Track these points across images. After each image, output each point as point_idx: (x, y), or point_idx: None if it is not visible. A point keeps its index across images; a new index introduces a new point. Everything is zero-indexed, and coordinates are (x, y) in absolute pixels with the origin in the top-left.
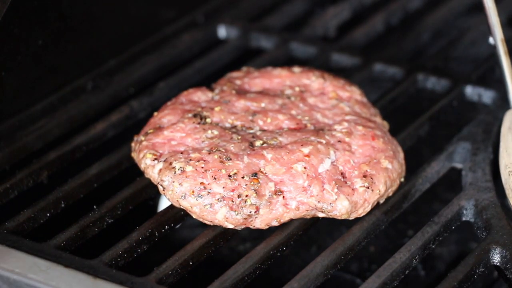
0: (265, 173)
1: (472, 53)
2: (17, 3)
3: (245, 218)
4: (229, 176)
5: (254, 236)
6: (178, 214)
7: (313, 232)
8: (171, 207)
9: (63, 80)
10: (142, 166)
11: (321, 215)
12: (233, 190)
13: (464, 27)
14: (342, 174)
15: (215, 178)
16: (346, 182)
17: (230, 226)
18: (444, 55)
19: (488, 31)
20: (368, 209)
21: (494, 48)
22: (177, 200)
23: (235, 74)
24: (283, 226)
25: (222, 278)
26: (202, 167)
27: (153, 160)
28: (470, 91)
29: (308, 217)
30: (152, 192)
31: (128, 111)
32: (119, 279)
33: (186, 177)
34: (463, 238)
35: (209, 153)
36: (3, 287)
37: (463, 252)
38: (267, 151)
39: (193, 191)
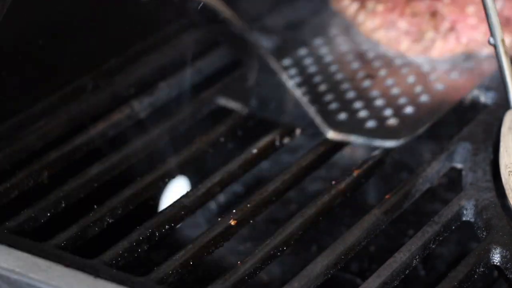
0: (442, 13)
1: None
2: (17, 3)
3: (424, 49)
4: (413, 14)
5: (254, 236)
6: (178, 214)
7: (313, 232)
8: (171, 206)
9: (63, 80)
10: (338, 7)
11: (485, 52)
12: (415, 26)
13: None
14: (506, 19)
15: (401, 16)
16: (510, 25)
17: (412, 55)
18: None
19: (488, 31)
20: None
21: (494, 48)
22: (369, 33)
23: None
24: (283, 226)
25: (223, 278)
26: (390, 6)
27: (351, 2)
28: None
29: (471, 52)
30: (152, 192)
31: (129, 111)
32: (119, 279)
33: (377, 14)
34: (463, 238)
35: None
36: (3, 287)
37: (463, 252)
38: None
39: (382, 26)
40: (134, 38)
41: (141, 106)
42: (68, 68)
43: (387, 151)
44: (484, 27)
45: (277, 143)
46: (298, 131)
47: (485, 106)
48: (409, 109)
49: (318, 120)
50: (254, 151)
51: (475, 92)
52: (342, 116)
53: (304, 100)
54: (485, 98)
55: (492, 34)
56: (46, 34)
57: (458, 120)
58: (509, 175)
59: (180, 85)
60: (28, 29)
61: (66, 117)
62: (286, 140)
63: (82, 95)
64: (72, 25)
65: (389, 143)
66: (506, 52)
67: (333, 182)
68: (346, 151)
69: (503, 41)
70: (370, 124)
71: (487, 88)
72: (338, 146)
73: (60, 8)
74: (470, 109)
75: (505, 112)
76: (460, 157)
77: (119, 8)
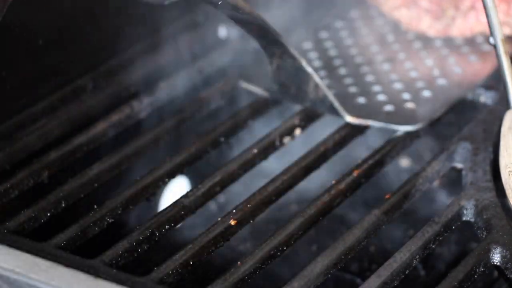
0: None
1: None
2: (17, 3)
3: (444, 28)
4: None
5: (254, 236)
6: (178, 214)
7: (313, 232)
8: (171, 206)
9: (64, 80)
10: None
11: (505, 32)
12: (436, 4)
13: None
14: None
15: None
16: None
17: (432, 33)
18: None
19: (489, 31)
20: None
21: (494, 48)
22: (391, 11)
23: None
24: (283, 226)
25: (223, 278)
26: None
27: None
28: (470, 91)
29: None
30: (152, 192)
31: (129, 111)
32: (119, 279)
33: None
34: (463, 238)
35: None
36: (3, 287)
37: (463, 252)
38: None
39: (404, 4)
40: (134, 38)
41: (141, 106)
42: (68, 68)
43: (386, 152)
44: (503, 6)
45: (277, 143)
46: (298, 131)
47: (485, 106)
48: (426, 93)
49: (336, 104)
50: (254, 151)
51: (475, 92)
52: (361, 100)
53: (323, 84)
54: (485, 98)
55: (492, 33)
56: (46, 34)
57: (458, 120)
58: (509, 175)
59: (180, 84)
60: (28, 29)
61: (66, 117)
62: (286, 140)
63: (82, 95)
64: (72, 25)
65: (407, 128)
66: (506, 52)
67: (333, 182)
68: (345, 151)
69: (503, 41)
70: (388, 108)
71: (487, 88)
72: (338, 146)
73: (60, 8)
74: (470, 109)
75: (506, 112)
76: (460, 157)
77: (119, 8)
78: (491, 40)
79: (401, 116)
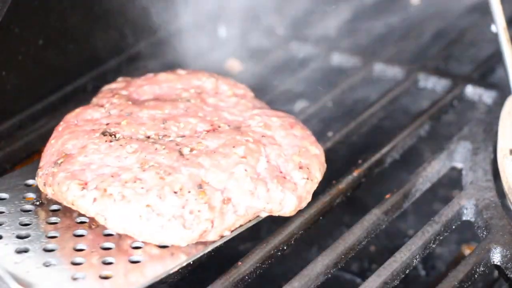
0: (208, 182)
1: (472, 53)
2: (17, 3)
3: (201, 234)
4: (175, 192)
5: (254, 236)
6: None
7: (313, 231)
8: None
9: (64, 80)
10: (70, 199)
11: (264, 214)
12: (183, 207)
13: (464, 27)
14: (278, 169)
15: (160, 198)
16: (285, 177)
17: (184, 244)
18: (444, 55)
19: (491, 19)
20: (309, 200)
21: (496, 35)
22: (123, 228)
23: (114, 85)
24: (283, 225)
25: (223, 277)
26: (142, 188)
27: (82, 190)
28: (470, 91)
29: (253, 218)
30: None
31: None
32: None
33: (128, 202)
34: (463, 238)
35: (143, 170)
36: (3, 287)
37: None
38: (202, 158)
39: (140, 216)
40: (134, 38)
41: None
42: (69, 68)
43: (387, 152)
44: None
45: None
46: None
47: (485, 105)
48: None
49: None
50: None
51: (476, 91)
52: None
53: None
54: (485, 98)
55: (494, 22)
56: (46, 34)
57: (458, 119)
58: (503, 157)
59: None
60: (28, 29)
61: None
62: None
63: (82, 95)
64: (72, 25)
65: None
66: (508, 40)
67: (333, 182)
68: (345, 151)
69: (505, 29)
70: None
71: (487, 87)
72: (338, 146)
73: (60, 8)
74: (470, 109)
75: (507, 98)
76: (460, 157)
77: (119, 8)
78: (493, 28)
79: None
